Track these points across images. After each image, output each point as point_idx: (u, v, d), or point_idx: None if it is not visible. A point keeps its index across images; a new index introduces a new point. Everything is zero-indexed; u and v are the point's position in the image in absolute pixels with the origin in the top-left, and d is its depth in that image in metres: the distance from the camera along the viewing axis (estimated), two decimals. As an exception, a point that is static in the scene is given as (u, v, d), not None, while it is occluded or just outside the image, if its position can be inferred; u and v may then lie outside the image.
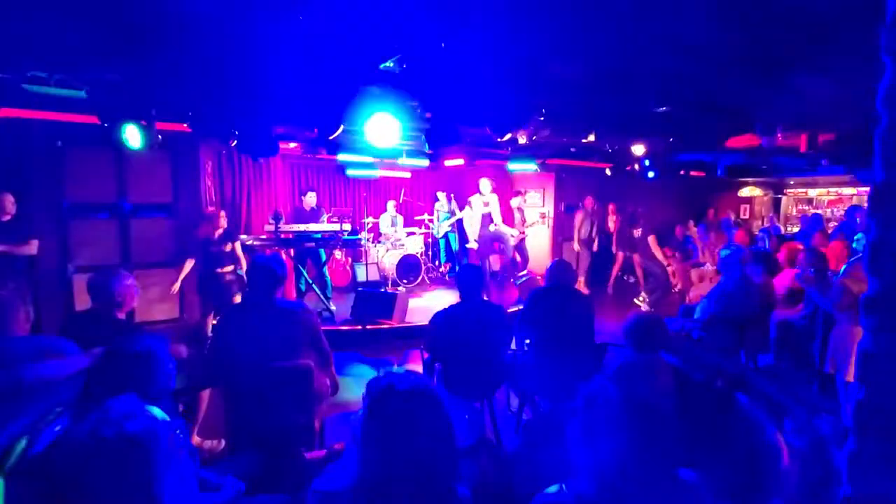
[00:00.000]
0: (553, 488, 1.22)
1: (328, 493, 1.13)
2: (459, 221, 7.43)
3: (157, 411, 1.20)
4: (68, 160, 4.64)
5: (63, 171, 4.62)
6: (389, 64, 2.86)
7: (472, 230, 6.59)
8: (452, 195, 8.47)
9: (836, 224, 8.57)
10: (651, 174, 6.25)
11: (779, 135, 4.17)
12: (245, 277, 4.61)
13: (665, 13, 2.42)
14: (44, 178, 4.56)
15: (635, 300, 6.90)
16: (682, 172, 8.62)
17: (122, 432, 1.08)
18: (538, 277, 6.84)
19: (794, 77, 3.49)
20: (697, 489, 1.22)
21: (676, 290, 7.82)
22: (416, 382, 1.17)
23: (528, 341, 3.38)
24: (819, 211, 10.61)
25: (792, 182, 11.37)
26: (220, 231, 4.73)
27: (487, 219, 6.53)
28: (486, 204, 6.50)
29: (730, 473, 1.41)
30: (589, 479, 1.16)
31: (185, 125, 4.14)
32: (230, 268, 4.77)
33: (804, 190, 11.74)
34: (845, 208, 9.42)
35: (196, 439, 2.93)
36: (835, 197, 11.65)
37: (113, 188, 4.88)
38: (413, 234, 7.99)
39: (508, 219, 7.21)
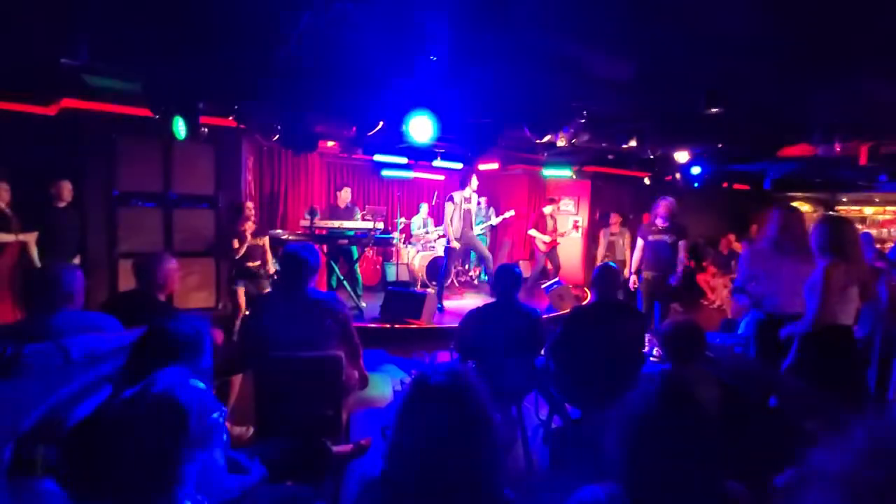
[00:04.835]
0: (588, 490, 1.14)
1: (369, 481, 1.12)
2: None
3: (201, 385, 1.21)
4: (119, 150, 4.85)
5: (114, 160, 4.83)
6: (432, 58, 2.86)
7: (454, 228, 5.95)
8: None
9: (892, 245, 8.03)
10: (696, 185, 5.99)
11: (836, 145, 3.93)
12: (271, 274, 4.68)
13: (719, 8, 2.32)
14: (97, 166, 4.78)
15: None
16: (724, 185, 8.30)
17: (170, 397, 1.09)
18: (569, 286, 6.69)
19: (855, 81, 3.29)
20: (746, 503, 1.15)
21: (714, 305, 7.52)
22: (457, 375, 1.13)
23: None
24: (872, 230, 9.99)
25: (845, 199, 10.72)
26: (251, 224, 4.71)
27: (468, 217, 6.04)
28: (468, 200, 5.97)
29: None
30: (625, 487, 1.09)
31: (230, 119, 4.26)
32: (258, 262, 4.78)
33: (858, 208, 11.04)
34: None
35: (227, 425, 2.97)
36: (891, 217, 10.95)
37: (159, 178, 5.06)
38: (444, 236, 7.92)
39: (541, 226, 7.10)
